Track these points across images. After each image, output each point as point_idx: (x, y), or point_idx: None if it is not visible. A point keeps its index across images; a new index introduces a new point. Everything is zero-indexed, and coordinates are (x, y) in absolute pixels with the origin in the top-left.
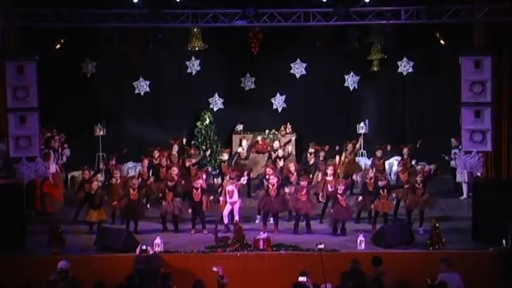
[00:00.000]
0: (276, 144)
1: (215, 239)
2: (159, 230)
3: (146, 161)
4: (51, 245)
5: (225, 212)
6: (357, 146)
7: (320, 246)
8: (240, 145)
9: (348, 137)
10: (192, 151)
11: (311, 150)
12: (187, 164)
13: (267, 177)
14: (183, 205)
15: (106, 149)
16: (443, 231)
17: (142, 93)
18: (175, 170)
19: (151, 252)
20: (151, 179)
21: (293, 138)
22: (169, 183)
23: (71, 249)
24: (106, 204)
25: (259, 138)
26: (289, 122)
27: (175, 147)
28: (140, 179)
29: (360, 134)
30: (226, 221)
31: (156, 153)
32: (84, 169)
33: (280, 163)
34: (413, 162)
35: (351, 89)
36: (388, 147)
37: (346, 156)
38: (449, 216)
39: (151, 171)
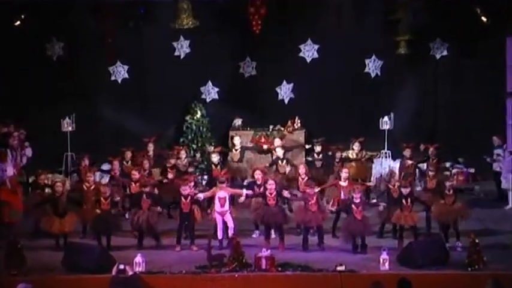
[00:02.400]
0: (277, 142)
1: (208, 257)
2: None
3: (117, 163)
4: (8, 264)
5: (219, 225)
6: (364, 154)
7: (340, 268)
8: (232, 143)
9: (370, 135)
10: (177, 151)
11: (318, 148)
12: (169, 165)
13: (258, 182)
14: (156, 215)
15: (76, 148)
16: (485, 248)
17: (119, 81)
18: (134, 174)
19: (130, 272)
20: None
21: (302, 136)
22: (144, 189)
23: (33, 269)
24: (76, 213)
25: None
26: (297, 116)
27: (151, 146)
28: (111, 185)
29: (384, 130)
30: (220, 235)
31: (128, 154)
32: (40, 173)
33: (283, 165)
34: (447, 164)
35: (373, 76)
36: (422, 147)
37: (353, 157)
38: (491, 229)
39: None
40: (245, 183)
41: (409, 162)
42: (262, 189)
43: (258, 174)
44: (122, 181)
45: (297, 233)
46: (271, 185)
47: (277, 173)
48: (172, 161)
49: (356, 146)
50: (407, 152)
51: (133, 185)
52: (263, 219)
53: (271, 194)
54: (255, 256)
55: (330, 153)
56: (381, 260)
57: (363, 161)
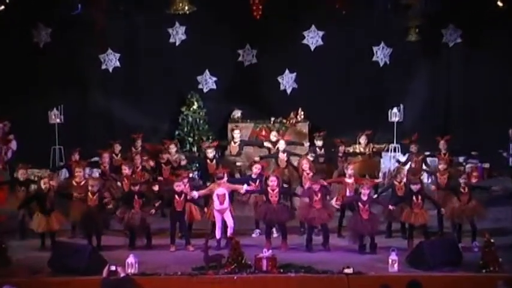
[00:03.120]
0: (274, 134)
1: (205, 258)
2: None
3: (106, 156)
4: None
5: (218, 224)
6: (371, 147)
7: (347, 271)
8: (232, 136)
9: (378, 127)
10: (166, 145)
11: (319, 143)
12: (163, 161)
13: (254, 176)
14: (148, 216)
15: (64, 141)
16: (500, 249)
17: (110, 69)
18: (125, 169)
19: (122, 274)
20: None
21: (305, 129)
22: (133, 187)
23: (18, 270)
24: (64, 210)
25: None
26: (300, 108)
27: (139, 143)
28: (100, 179)
29: (393, 122)
30: (219, 235)
31: (117, 148)
32: (19, 167)
33: (284, 159)
34: (460, 159)
35: (381, 65)
36: (414, 137)
37: (359, 152)
38: (507, 229)
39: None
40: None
41: (419, 157)
42: (258, 183)
43: (256, 168)
44: (113, 176)
45: (301, 232)
46: (273, 181)
47: (278, 168)
48: (166, 157)
49: (363, 140)
50: (414, 147)
51: (126, 181)
52: (265, 218)
53: (273, 190)
54: (255, 257)
55: (333, 150)
56: (390, 261)
57: (370, 156)
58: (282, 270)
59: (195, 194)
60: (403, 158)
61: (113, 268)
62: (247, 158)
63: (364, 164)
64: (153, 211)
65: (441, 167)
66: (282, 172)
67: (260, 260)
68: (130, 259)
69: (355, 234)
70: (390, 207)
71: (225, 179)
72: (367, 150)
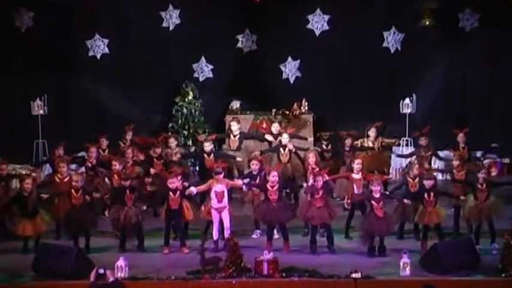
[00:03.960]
0: (276, 126)
1: (201, 261)
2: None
3: (94, 150)
4: None
5: (215, 224)
6: (381, 140)
7: (355, 275)
8: (230, 129)
9: (389, 119)
10: (164, 139)
11: (326, 134)
12: (155, 155)
13: (254, 173)
14: (141, 213)
15: (48, 135)
16: None
17: (98, 56)
18: (115, 165)
19: (111, 278)
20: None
21: (310, 121)
22: (124, 183)
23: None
24: (48, 210)
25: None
26: (304, 98)
27: (130, 135)
28: (85, 175)
29: (405, 114)
30: (216, 235)
31: (104, 143)
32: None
33: (286, 154)
34: (478, 154)
35: (392, 51)
36: (424, 129)
37: (368, 146)
38: None
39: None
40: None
41: (427, 151)
42: (258, 180)
43: (254, 164)
44: (100, 171)
45: (304, 233)
46: (274, 176)
47: (280, 163)
48: (158, 151)
49: (372, 132)
50: (423, 141)
51: (116, 177)
52: (265, 217)
53: (272, 187)
54: (255, 259)
55: (339, 143)
56: (402, 265)
57: (379, 150)
58: (284, 274)
59: (193, 190)
60: (406, 151)
61: (101, 271)
62: (247, 152)
63: (373, 159)
64: (144, 207)
65: (456, 162)
66: (285, 167)
67: (260, 263)
68: (120, 262)
69: (368, 235)
70: (405, 201)
71: (222, 175)
72: (376, 144)
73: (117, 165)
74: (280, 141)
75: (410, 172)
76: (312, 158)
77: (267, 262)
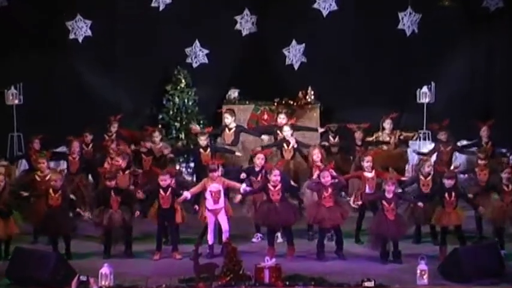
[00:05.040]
0: (282, 118)
1: (195, 268)
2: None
3: (77, 145)
4: None
5: (211, 226)
6: (398, 134)
7: (368, 284)
8: (224, 123)
9: (404, 110)
10: (149, 132)
11: (334, 125)
12: (144, 150)
13: (257, 169)
14: (127, 216)
15: (24, 127)
16: None
17: (80, 39)
18: (117, 160)
19: (95, 287)
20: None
21: (316, 112)
22: (108, 183)
23: None
24: (23, 211)
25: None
26: (310, 86)
27: (115, 126)
28: (66, 173)
29: (422, 104)
30: (211, 240)
31: (88, 137)
32: None
33: (290, 149)
34: (503, 150)
35: (408, 34)
36: (444, 122)
37: (383, 140)
38: None
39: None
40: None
41: (447, 147)
42: (260, 177)
43: (259, 159)
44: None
45: (310, 237)
46: (276, 175)
47: (282, 160)
48: (148, 145)
49: (387, 125)
50: (443, 135)
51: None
52: (266, 220)
53: (274, 187)
54: (255, 266)
55: (349, 137)
56: (418, 272)
57: (396, 145)
58: (287, 283)
59: (188, 195)
60: (426, 148)
61: (84, 279)
62: (244, 147)
63: (388, 155)
64: (137, 212)
65: (480, 161)
66: (288, 164)
67: (261, 270)
68: (105, 269)
69: (378, 239)
70: (420, 204)
71: (220, 171)
72: (392, 138)
73: (120, 161)
74: (283, 135)
75: (422, 169)
76: (317, 155)
77: (269, 269)
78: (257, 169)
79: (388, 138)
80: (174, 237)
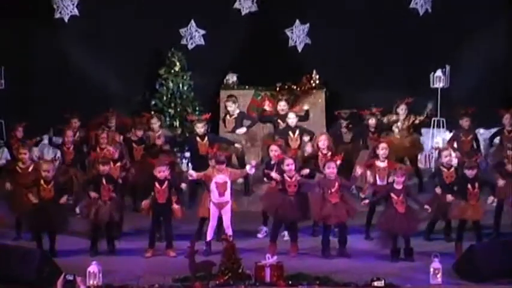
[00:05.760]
0: (283, 105)
1: (191, 266)
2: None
3: (70, 134)
4: None
5: (213, 222)
6: (412, 119)
7: (377, 284)
8: (226, 110)
9: (416, 95)
10: (146, 119)
11: (346, 112)
12: (135, 138)
13: (273, 162)
14: (118, 208)
15: (5, 113)
16: None
17: (66, 19)
18: (109, 150)
19: (82, 286)
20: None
21: (322, 98)
22: (102, 167)
23: None
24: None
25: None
26: (315, 70)
27: (113, 122)
28: (59, 163)
29: (436, 89)
30: (210, 236)
31: (75, 123)
32: None
33: (296, 138)
34: None
35: (421, 13)
36: (469, 109)
37: (397, 127)
38: None
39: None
40: (252, 164)
41: (468, 135)
42: (276, 171)
43: (274, 151)
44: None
45: (314, 233)
46: (289, 165)
47: (289, 149)
48: (140, 133)
49: (401, 110)
50: (465, 122)
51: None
52: (278, 211)
53: (290, 177)
54: (255, 264)
55: (361, 124)
56: (432, 270)
57: (410, 131)
58: (290, 282)
59: (193, 174)
60: (440, 137)
61: (70, 279)
62: (249, 137)
63: (402, 143)
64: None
65: (510, 152)
66: (295, 154)
67: (262, 269)
68: (93, 267)
69: (388, 235)
70: (450, 197)
71: (225, 164)
72: (406, 123)
73: (111, 150)
74: (287, 123)
75: (441, 159)
76: (323, 142)
77: (270, 267)
78: (272, 163)
79: (401, 124)
80: (168, 233)
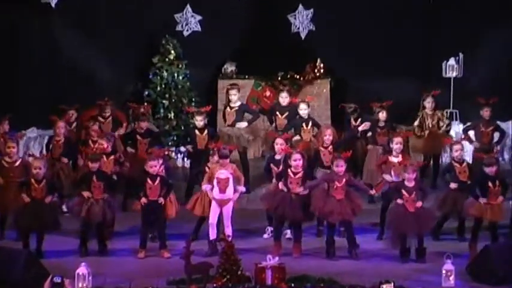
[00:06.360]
0: (284, 96)
1: (186, 268)
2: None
3: (62, 126)
4: None
5: (212, 219)
6: (439, 115)
7: (386, 287)
8: (229, 101)
9: (428, 85)
10: (142, 109)
11: (351, 106)
12: (141, 131)
13: (277, 158)
14: (112, 206)
15: None
16: None
17: (53, 3)
18: (102, 143)
19: None
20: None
21: (326, 88)
22: (91, 164)
23: None
24: None
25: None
26: (319, 58)
27: (108, 111)
28: (49, 157)
29: (449, 78)
30: (213, 235)
31: (73, 114)
32: None
33: (309, 130)
34: None
35: None
36: (492, 99)
37: (426, 122)
38: None
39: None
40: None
41: (488, 127)
42: (281, 167)
43: (280, 144)
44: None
45: (319, 233)
46: (296, 160)
47: (302, 142)
48: (144, 125)
49: (428, 103)
50: (485, 112)
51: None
52: (278, 209)
53: (295, 174)
54: (256, 266)
55: (370, 118)
56: (444, 272)
57: (439, 126)
58: (293, 285)
59: (208, 187)
60: (453, 130)
61: (58, 281)
62: (251, 130)
63: (431, 139)
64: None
65: None
66: (307, 148)
67: (263, 271)
68: (82, 269)
69: (397, 234)
70: (483, 200)
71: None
72: (435, 119)
73: (104, 145)
74: (299, 114)
75: (455, 153)
76: (329, 136)
77: (271, 269)
78: (278, 157)
79: (431, 120)
80: (162, 232)
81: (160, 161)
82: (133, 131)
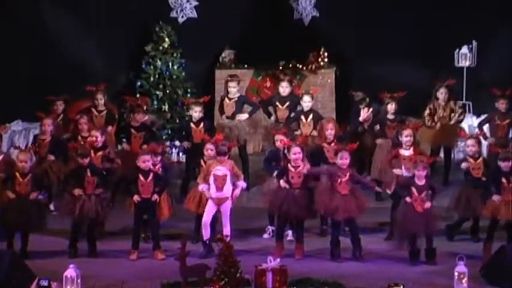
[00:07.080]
0: (285, 86)
1: (182, 270)
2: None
3: (49, 122)
4: None
5: (206, 218)
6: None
7: None
8: (227, 92)
9: (439, 75)
10: (140, 101)
11: (358, 94)
12: (136, 124)
13: (281, 149)
14: (104, 204)
15: None
16: None
17: None
18: (96, 136)
19: None
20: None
21: (331, 78)
22: (81, 160)
23: None
24: None
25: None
26: (323, 46)
27: (100, 98)
28: (35, 154)
29: (461, 68)
30: (207, 235)
31: (60, 106)
32: None
33: (309, 123)
34: None
35: None
36: (508, 90)
37: (438, 113)
38: None
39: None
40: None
41: (504, 120)
42: (282, 159)
43: (280, 140)
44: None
45: (322, 233)
46: (296, 154)
47: (301, 136)
48: (140, 118)
49: (441, 94)
50: (501, 104)
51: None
52: (281, 208)
53: (295, 168)
54: (255, 268)
55: (379, 109)
56: (456, 275)
57: (451, 117)
58: None
59: (205, 187)
60: (465, 123)
61: (44, 284)
62: (251, 122)
63: (444, 131)
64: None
65: None
66: (307, 141)
67: (263, 273)
68: (70, 271)
69: (405, 235)
70: (497, 197)
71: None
72: (447, 110)
73: (98, 137)
74: (302, 106)
75: (468, 149)
76: (331, 130)
77: (272, 271)
78: (279, 153)
79: (443, 112)
80: (155, 232)
81: (158, 158)
82: (127, 124)
